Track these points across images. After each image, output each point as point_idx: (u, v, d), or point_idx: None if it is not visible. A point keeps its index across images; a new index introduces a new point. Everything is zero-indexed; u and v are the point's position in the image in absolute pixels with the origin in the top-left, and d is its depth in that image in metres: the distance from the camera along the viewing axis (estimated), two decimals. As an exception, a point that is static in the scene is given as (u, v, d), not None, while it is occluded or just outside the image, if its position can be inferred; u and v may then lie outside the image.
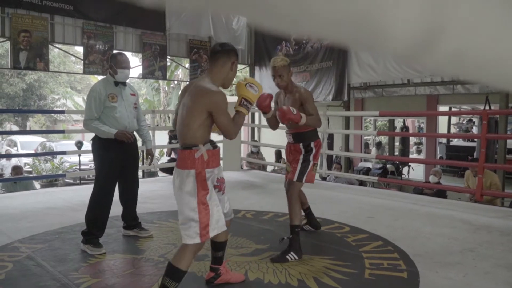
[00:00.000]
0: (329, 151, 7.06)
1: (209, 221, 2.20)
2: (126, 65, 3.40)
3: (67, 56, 19.95)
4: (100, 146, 3.36)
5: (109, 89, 3.36)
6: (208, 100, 2.20)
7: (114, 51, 7.28)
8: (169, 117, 19.02)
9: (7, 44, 7.50)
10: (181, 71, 17.60)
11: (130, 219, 3.63)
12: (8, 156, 12.40)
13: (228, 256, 3.10)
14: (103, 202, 3.34)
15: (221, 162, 3.09)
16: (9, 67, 7.46)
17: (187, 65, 9.95)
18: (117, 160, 3.37)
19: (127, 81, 3.56)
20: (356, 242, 3.46)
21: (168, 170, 6.66)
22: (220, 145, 7.60)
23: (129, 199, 3.61)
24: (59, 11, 7.59)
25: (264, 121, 10.99)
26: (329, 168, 8.21)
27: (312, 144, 3.27)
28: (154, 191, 5.51)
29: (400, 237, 3.57)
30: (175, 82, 19.07)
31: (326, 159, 6.47)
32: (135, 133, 3.60)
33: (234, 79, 2.59)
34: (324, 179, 7.51)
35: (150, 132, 4.55)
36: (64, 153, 8.58)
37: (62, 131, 13.57)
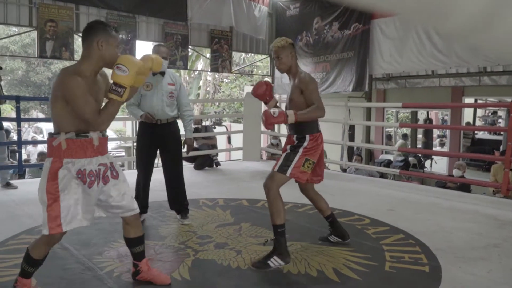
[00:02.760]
0: (350, 142, 6.99)
1: (60, 213, 2.05)
2: (160, 55, 3.47)
3: (91, 45, 20.22)
4: (138, 130, 3.72)
5: (147, 79, 3.45)
6: (58, 85, 2.05)
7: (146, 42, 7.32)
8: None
9: (34, 34, 7.64)
10: (202, 61, 17.64)
11: (171, 203, 3.80)
12: (35, 142, 12.72)
13: (248, 245, 3.13)
14: (138, 182, 3.67)
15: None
16: (36, 56, 7.60)
17: (208, 55, 9.96)
18: (150, 145, 3.64)
19: (168, 71, 3.66)
20: (376, 235, 3.44)
21: (189, 159, 6.71)
22: (240, 135, 7.61)
23: (169, 185, 3.75)
24: (84, 1, 7.69)
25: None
26: (350, 160, 8.15)
27: (308, 137, 2.85)
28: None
29: (421, 231, 3.52)
30: (196, 72, 19.15)
31: (346, 150, 6.41)
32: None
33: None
34: (344, 170, 7.46)
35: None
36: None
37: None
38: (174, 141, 3.72)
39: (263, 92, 2.97)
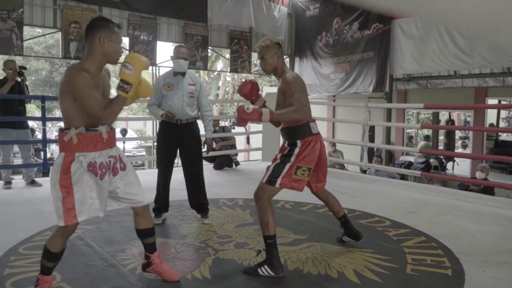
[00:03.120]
0: (370, 143, 6.94)
1: (74, 205, 2.11)
2: (181, 56, 3.62)
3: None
4: (159, 130, 3.80)
5: (168, 79, 3.68)
6: (65, 82, 2.12)
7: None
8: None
9: (58, 35, 7.80)
10: (221, 62, 17.74)
11: (191, 202, 3.85)
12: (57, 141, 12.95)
13: (268, 245, 3.14)
14: (158, 181, 3.75)
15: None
16: (60, 57, 7.76)
17: (227, 56, 10.01)
18: (170, 144, 3.70)
19: (188, 71, 3.73)
20: (397, 237, 3.41)
21: (209, 159, 6.76)
22: (258, 135, 7.61)
23: (189, 184, 3.80)
24: (106, 3, 7.81)
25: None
26: (370, 161, 8.09)
27: (299, 142, 2.68)
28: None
29: (444, 234, 3.47)
30: (215, 72, 19.25)
31: (366, 151, 6.36)
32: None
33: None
34: (364, 172, 7.41)
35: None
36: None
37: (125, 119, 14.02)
38: (194, 141, 3.75)
39: (248, 91, 2.88)
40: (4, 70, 5.21)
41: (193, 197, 3.80)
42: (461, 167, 9.76)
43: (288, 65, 11.02)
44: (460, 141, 13.54)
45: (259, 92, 2.96)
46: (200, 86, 3.75)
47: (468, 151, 10.82)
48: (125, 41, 8.25)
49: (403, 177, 7.47)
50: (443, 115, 11.80)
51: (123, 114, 22.64)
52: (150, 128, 13.98)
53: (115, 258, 2.84)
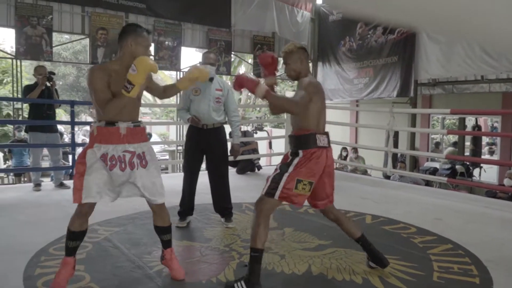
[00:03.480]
0: (395, 149, 6.86)
1: (82, 187, 2.31)
2: (208, 62, 3.68)
3: (137, 52, 20.91)
4: (187, 134, 3.88)
5: (197, 84, 3.64)
6: (87, 80, 2.41)
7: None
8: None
9: (85, 41, 8.00)
10: (243, 66, 17.84)
11: (216, 206, 3.90)
12: (85, 145, 13.24)
13: (292, 250, 3.15)
14: (184, 185, 3.80)
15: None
16: (88, 62, 7.95)
17: (250, 61, 10.07)
18: (196, 148, 3.75)
19: (216, 76, 3.80)
20: (423, 244, 3.36)
21: (232, 163, 6.80)
22: (280, 140, 7.60)
23: (214, 188, 3.84)
24: (133, 10, 7.98)
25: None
26: (393, 167, 7.99)
27: (301, 152, 2.51)
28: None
29: (471, 241, 3.41)
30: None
31: (391, 157, 6.30)
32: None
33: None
34: (387, 177, 7.33)
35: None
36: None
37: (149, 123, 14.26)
38: (220, 145, 3.78)
39: (267, 63, 2.71)
40: (34, 75, 5.37)
41: (218, 201, 3.84)
42: (488, 174, 9.55)
43: (311, 70, 11.03)
44: (486, 147, 13.24)
45: (276, 72, 2.76)
46: (227, 91, 3.77)
47: (495, 157, 10.58)
48: (151, 46, 8.41)
49: (428, 183, 7.36)
50: (469, 121, 11.57)
51: (146, 118, 22.98)
52: (174, 132, 14.13)
53: (142, 260, 2.89)
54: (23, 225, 3.70)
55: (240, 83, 2.48)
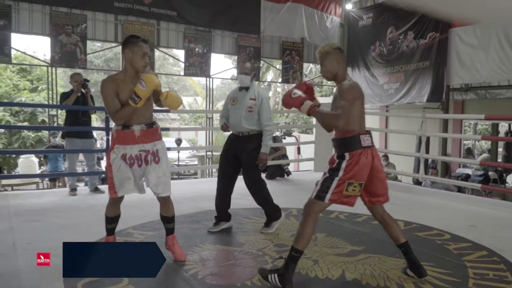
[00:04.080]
0: (427, 155, 6.77)
1: (114, 184, 2.79)
2: (242, 71, 3.79)
3: (166, 58, 21.33)
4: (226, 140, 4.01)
5: (235, 93, 3.92)
6: None
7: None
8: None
9: (116, 49, 8.22)
10: (271, 72, 17.92)
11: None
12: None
13: (325, 255, 3.16)
14: (217, 190, 3.87)
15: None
16: (121, 69, 8.16)
17: (278, 66, 10.12)
18: (228, 155, 3.85)
19: (253, 85, 3.85)
20: (458, 251, 3.32)
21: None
22: (308, 146, 7.60)
23: (227, 194, 3.88)
24: (164, 17, 8.18)
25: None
26: (425, 173, 7.86)
27: (347, 155, 2.54)
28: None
29: (506, 248, 3.34)
30: (265, 83, 19.45)
31: (423, 163, 6.22)
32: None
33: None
34: (419, 183, 7.22)
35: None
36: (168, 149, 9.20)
37: (167, 129, 14.49)
38: (250, 153, 3.78)
39: (302, 87, 2.72)
40: (71, 82, 5.56)
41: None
42: (522, 181, 9.27)
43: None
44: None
45: (314, 96, 2.82)
46: (261, 101, 3.78)
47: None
48: (181, 53, 8.59)
49: (459, 189, 7.21)
50: (502, 127, 11.27)
51: (175, 124, 23.32)
52: (202, 138, 14.28)
53: (177, 263, 2.96)
54: (60, 229, 3.83)
55: (287, 102, 2.60)
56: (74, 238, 3.49)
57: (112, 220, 3.03)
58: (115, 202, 2.92)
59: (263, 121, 3.79)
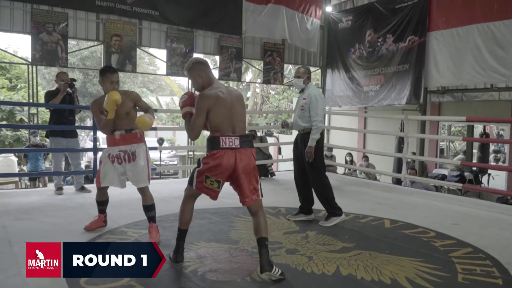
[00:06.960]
0: (411, 155, 6.94)
1: (100, 176, 3.51)
2: (295, 75, 4.36)
3: (142, 58, 21.09)
4: None
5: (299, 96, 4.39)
6: None
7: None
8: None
9: (96, 48, 8.09)
10: (250, 72, 17.97)
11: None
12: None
13: (318, 251, 3.24)
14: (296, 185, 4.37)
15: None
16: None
17: (258, 66, 10.17)
18: (295, 150, 4.35)
19: (309, 87, 4.22)
20: (444, 247, 3.45)
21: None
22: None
23: (301, 188, 4.32)
24: (146, 17, 8.11)
25: (332, 123, 10.92)
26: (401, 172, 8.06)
27: (208, 153, 2.77)
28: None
29: (490, 245, 3.50)
30: (244, 83, 19.48)
31: (405, 163, 6.40)
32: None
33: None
34: (399, 183, 7.41)
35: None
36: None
37: (154, 129, 14.31)
38: (304, 149, 4.15)
39: (183, 104, 2.94)
40: (56, 81, 5.47)
41: (302, 201, 4.32)
42: (496, 181, 9.62)
43: (319, 76, 11.11)
44: (492, 155, 13.32)
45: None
46: (310, 99, 4.10)
47: (501, 165, 10.65)
48: (163, 53, 8.53)
49: (437, 189, 7.44)
50: (476, 128, 11.67)
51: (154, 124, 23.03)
52: (180, 138, 14.09)
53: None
54: (53, 227, 3.79)
55: (180, 103, 2.97)
56: (68, 236, 3.47)
57: (101, 203, 3.71)
58: (101, 190, 3.64)
59: (311, 117, 4.10)
